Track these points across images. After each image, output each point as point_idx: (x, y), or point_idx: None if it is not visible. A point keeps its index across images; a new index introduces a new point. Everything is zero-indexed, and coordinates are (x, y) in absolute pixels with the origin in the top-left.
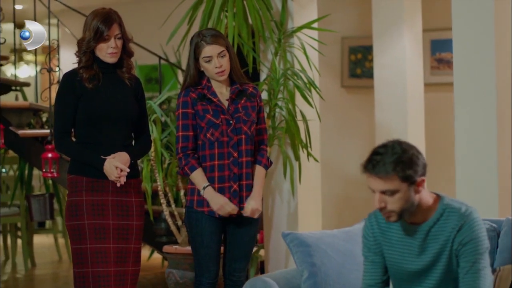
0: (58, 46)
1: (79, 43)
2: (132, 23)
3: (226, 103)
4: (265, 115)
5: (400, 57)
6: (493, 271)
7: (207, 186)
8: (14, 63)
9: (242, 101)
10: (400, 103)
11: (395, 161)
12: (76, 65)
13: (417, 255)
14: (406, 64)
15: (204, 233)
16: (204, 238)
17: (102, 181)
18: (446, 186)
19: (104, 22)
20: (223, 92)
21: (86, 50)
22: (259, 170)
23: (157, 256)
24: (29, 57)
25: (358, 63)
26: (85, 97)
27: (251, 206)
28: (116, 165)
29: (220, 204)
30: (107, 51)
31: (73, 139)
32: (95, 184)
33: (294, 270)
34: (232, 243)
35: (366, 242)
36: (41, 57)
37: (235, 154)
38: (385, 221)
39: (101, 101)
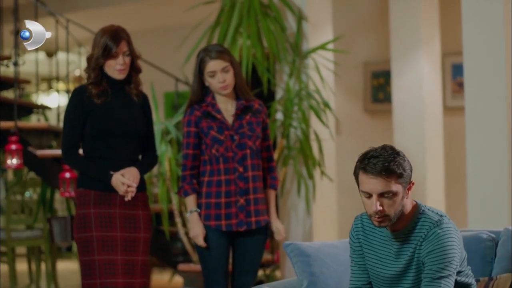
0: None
1: (88, 59)
2: (154, 50)
3: (230, 119)
4: (280, 134)
5: (417, 80)
6: (490, 279)
7: (194, 211)
8: (37, 90)
9: (247, 117)
10: (418, 126)
11: (393, 161)
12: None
13: (393, 261)
14: (424, 87)
15: (212, 247)
16: (212, 251)
17: (110, 194)
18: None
19: (112, 39)
20: (228, 108)
21: (95, 67)
22: (272, 194)
23: (179, 280)
24: (59, 85)
25: (381, 88)
26: (94, 112)
27: (280, 227)
28: (123, 181)
29: (194, 234)
30: (116, 68)
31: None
32: (103, 197)
33: (294, 280)
34: (240, 257)
35: (352, 244)
36: (66, 85)
37: (241, 169)
38: (376, 225)
39: (109, 116)
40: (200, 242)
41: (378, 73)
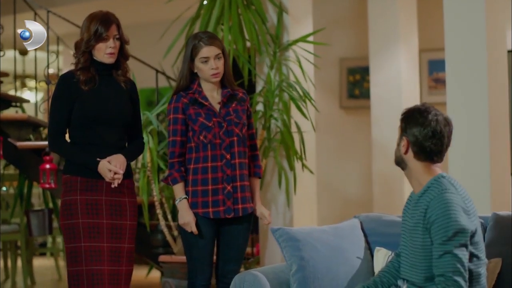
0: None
1: (77, 44)
2: (133, 46)
3: (217, 107)
4: (261, 126)
5: (395, 76)
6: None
7: (183, 198)
8: (15, 87)
9: (233, 105)
10: (396, 122)
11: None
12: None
13: (408, 220)
14: (402, 82)
15: (198, 235)
16: (198, 239)
17: (96, 180)
18: None
19: (103, 23)
20: (214, 96)
21: (85, 50)
22: (257, 182)
23: (156, 275)
24: (32, 83)
25: (357, 84)
26: (81, 98)
27: (265, 212)
28: (109, 168)
29: (185, 221)
30: (106, 51)
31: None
32: (89, 184)
33: (283, 265)
34: (226, 244)
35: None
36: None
37: (228, 156)
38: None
39: (96, 103)
40: (193, 228)
41: (354, 69)
